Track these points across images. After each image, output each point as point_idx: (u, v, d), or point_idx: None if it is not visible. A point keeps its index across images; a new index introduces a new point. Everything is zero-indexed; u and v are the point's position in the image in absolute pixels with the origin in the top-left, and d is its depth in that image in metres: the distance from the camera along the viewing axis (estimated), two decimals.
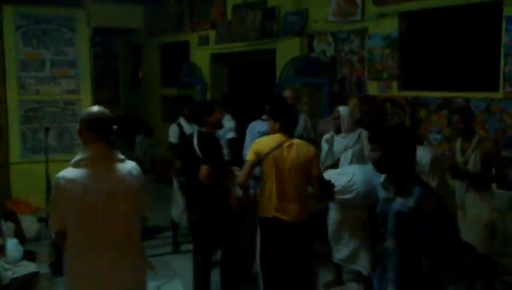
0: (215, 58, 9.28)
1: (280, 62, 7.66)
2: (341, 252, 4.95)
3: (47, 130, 6.13)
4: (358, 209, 4.80)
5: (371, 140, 3.19)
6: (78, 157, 2.96)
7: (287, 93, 5.86)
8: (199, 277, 4.60)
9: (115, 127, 3.05)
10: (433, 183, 4.07)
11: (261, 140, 4.11)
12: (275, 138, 4.03)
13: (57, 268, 5.36)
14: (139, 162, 3.92)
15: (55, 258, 5.43)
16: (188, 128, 6.13)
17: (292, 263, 3.99)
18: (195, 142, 4.47)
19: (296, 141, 4.06)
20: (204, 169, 4.30)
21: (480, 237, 4.58)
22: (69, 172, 2.91)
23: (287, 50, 7.57)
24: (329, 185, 4.14)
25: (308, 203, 4.06)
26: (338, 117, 5.10)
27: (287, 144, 3.97)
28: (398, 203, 2.85)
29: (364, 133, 5.11)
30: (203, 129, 4.56)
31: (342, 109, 5.17)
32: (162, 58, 11.52)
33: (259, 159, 3.95)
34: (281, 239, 3.95)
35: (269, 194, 3.94)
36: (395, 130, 3.17)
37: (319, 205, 4.67)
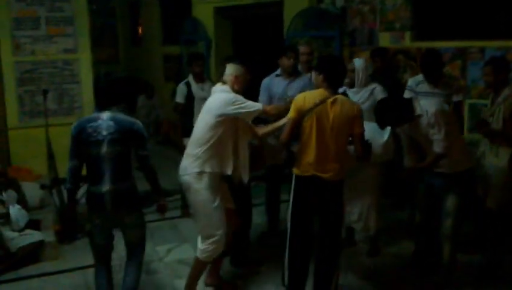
0: (219, 12, 8.93)
1: (288, 15, 7.38)
2: (353, 214, 4.83)
3: (45, 92, 5.90)
4: (368, 167, 4.61)
5: None
6: None
7: (302, 48, 5.59)
8: None
9: None
10: (440, 136, 3.92)
11: (302, 95, 3.84)
12: (318, 93, 3.79)
13: (63, 236, 5.28)
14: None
15: (60, 225, 5.33)
16: (196, 88, 5.84)
17: (323, 222, 3.87)
18: None
19: (340, 97, 3.81)
20: None
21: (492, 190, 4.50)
22: None
23: (295, 2, 7.27)
24: (367, 144, 3.96)
25: (347, 161, 3.88)
26: (353, 70, 4.81)
27: (330, 100, 3.71)
28: None
29: (379, 89, 4.84)
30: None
31: (357, 62, 4.87)
32: (162, 14, 11.13)
33: (301, 116, 3.73)
34: (317, 197, 3.81)
35: (309, 152, 3.74)
36: None
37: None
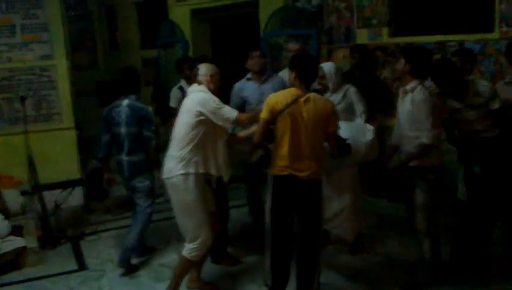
0: (196, 14, 8.92)
1: (264, 14, 7.40)
2: (328, 221, 4.60)
3: (23, 99, 5.86)
4: (346, 167, 4.53)
5: None
6: None
7: (291, 46, 5.60)
8: None
9: None
10: (428, 124, 3.87)
11: (275, 95, 3.79)
12: (290, 93, 3.74)
13: (45, 241, 5.27)
14: None
15: (42, 231, 5.31)
16: None
17: (303, 221, 3.85)
18: None
19: (313, 95, 3.76)
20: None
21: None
22: None
23: (270, 1, 7.28)
24: (343, 141, 4.00)
25: (323, 159, 3.86)
26: (323, 76, 4.62)
27: (303, 98, 3.67)
28: None
29: (353, 90, 4.74)
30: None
31: (326, 66, 4.70)
32: (139, 17, 11.10)
33: (274, 116, 3.69)
34: (295, 196, 3.78)
35: (284, 152, 3.71)
36: None
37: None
